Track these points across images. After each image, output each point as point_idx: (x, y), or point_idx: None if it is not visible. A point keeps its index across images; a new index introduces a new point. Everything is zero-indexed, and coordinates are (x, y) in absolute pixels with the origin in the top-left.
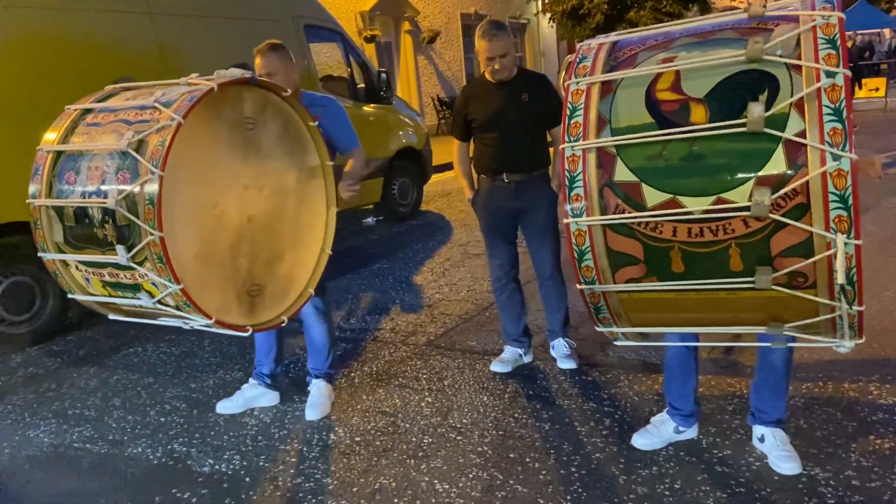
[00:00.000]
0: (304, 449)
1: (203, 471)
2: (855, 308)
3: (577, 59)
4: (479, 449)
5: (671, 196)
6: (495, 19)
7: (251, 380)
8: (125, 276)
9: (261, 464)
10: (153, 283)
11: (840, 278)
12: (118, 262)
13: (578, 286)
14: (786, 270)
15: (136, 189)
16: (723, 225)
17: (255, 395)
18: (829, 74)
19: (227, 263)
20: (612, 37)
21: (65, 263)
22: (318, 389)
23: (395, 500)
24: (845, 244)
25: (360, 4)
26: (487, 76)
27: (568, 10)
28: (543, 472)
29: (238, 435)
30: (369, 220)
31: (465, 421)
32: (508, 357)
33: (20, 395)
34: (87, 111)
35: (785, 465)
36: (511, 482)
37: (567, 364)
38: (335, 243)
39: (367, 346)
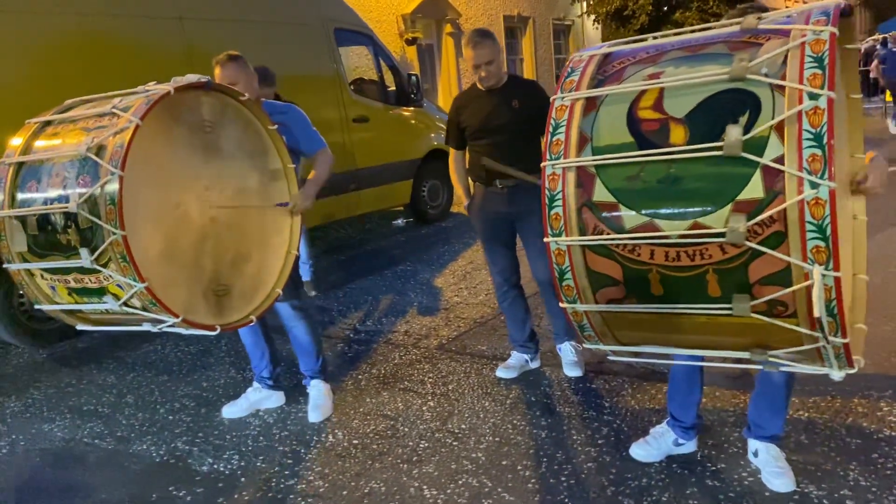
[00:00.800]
0: (302, 450)
1: (202, 470)
2: (838, 340)
3: (566, 73)
4: (473, 455)
5: (649, 219)
6: (481, 28)
7: (254, 383)
8: (90, 280)
9: (258, 464)
10: (118, 285)
11: (817, 311)
12: (82, 266)
13: (561, 304)
14: (765, 298)
15: (97, 191)
16: (700, 250)
17: (259, 399)
18: (812, 97)
19: (191, 263)
20: (605, 48)
21: (30, 273)
22: (318, 391)
23: None
24: (823, 276)
25: (402, 7)
26: (478, 84)
27: (612, 12)
28: (533, 480)
29: (240, 435)
30: (398, 221)
31: (463, 426)
32: (514, 363)
33: (41, 390)
34: (48, 123)
35: (777, 481)
36: (499, 490)
37: (572, 371)
38: (364, 243)
39: (378, 349)
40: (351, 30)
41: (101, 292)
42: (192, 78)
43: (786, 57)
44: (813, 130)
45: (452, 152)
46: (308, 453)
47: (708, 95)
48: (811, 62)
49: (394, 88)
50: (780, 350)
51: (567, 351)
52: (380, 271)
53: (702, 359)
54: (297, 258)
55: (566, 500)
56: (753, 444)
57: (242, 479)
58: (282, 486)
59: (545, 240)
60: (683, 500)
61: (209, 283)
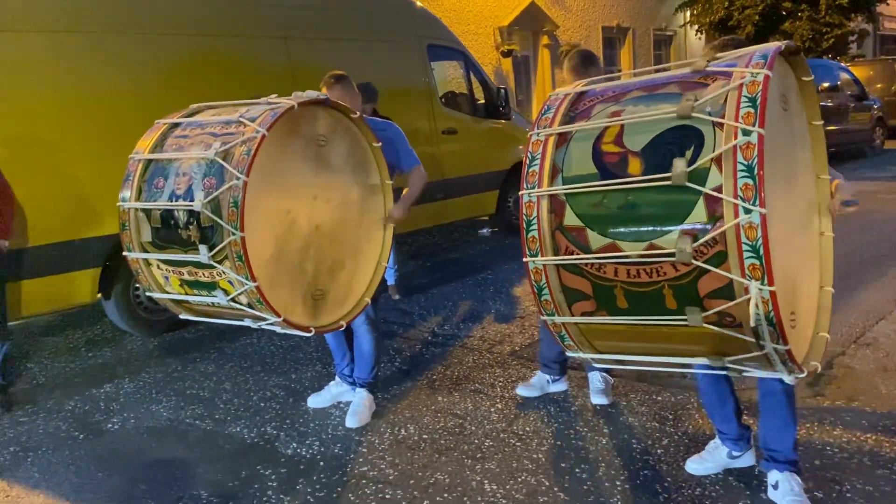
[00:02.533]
0: (376, 441)
1: (286, 452)
2: (781, 347)
3: (542, 110)
4: (534, 456)
5: (611, 241)
6: (587, 51)
7: (336, 378)
8: (204, 275)
9: (336, 451)
10: (230, 281)
11: (752, 322)
12: (199, 261)
13: (541, 317)
14: (714, 310)
15: (222, 193)
16: (656, 268)
17: (340, 392)
18: (745, 133)
19: (295, 267)
20: (580, 87)
21: (147, 262)
22: (361, 399)
23: (445, 495)
24: (759, 290)
25: (499, 20)
26: None
27: (716, 22)
28: (589, 482)
29: (322, 424)
30: (484, 230)
31: (527, 429)
32: (536, 382)
33: (151, 374)
34: (176, 125)
35: None
36: (555, 489)
37: (598, 399)
38: (449, 251)
39: (453, 352)
40: (443, 45)
41: (212, 286)
42: (312, 94)
43: (726, 97)
44: (746, 163)
45: None
46: (381, 444)
47: (660, 131)
48: (746, 102)
49: (483, 101)
50: (735, 356)
51: (595, 379)
52: (462, 278)
53: (716, 368)
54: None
55: (619, 503)
56: (773, 476)
57: (321, 463)
58: (355, 471)
59: (524, 259)
60: None
61: (308, 288)
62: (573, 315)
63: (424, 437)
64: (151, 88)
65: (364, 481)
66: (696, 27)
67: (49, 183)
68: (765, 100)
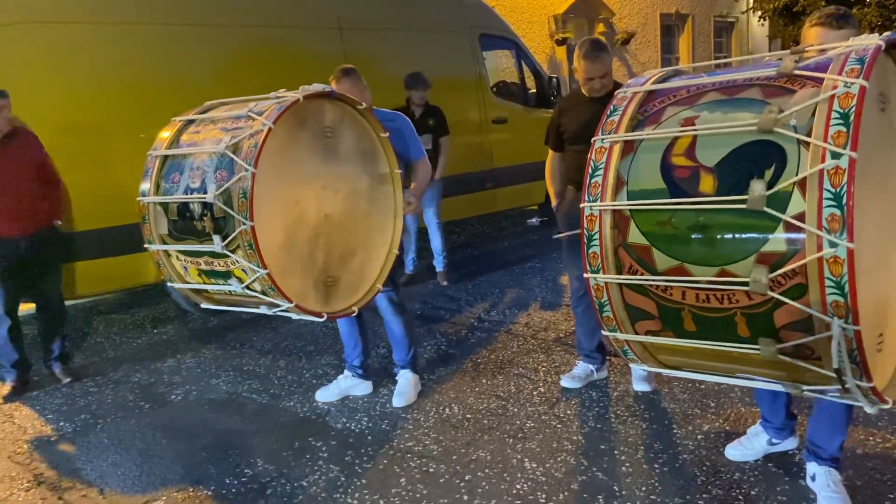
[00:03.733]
0: (422, 419)
1: (336, 427)
2: (864, 384)
3: (608, 112)
4: (574, 437)
5: (679, 263)
6: (597, 39)
7: (345, 371)
8: (219, 264)
9: (383, 426)
10: (243, 270)
11: (835, 363)
12: (214, 251)
13: (603, 332)
14: (791, 343)
15: (232, 184)
16: (727, 294)
17: (349, 386)
18: (835, 155)
19: (305, 255)
20: (649, 85)
21: (167, 254)
22: (405, 380)
23: (486, 471)
24: (843, 328)
25: (554, 8)
26: (584, 91)
27: (780, 7)
28: (627, 464)
29: (371, 401)
30: (533, 220)
31: (568, 412)
32: (580, 373)
33: (211, 350)
34: (190, 121)
35: None
36: (594, 469)
37: (641, 386)
38: (497, 240)
39: (499, 337)
40: (495, 35)
41: (227, 275)
42: (318, 87)
43: (815, 110)
44: (833, 190)
45: (550, 153)
46: (426, 422)
47: (737, 146)
48: (837, 119)
49: (534, 91)
50: (813, 386)
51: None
52: (509, 267)
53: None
54: (399, 257)
55: (656, 484)
56: (812, 467)
57: (369, 437)
58: (401, 446)
59: (584, 275)
60: (773, 496)
61: (319, 275)
62: (637, 333)
63: (468, 416)
64: (209, 79)
65: (409, 455)
66: (758, 13)
67: (114, 169)
68: (859, 117)
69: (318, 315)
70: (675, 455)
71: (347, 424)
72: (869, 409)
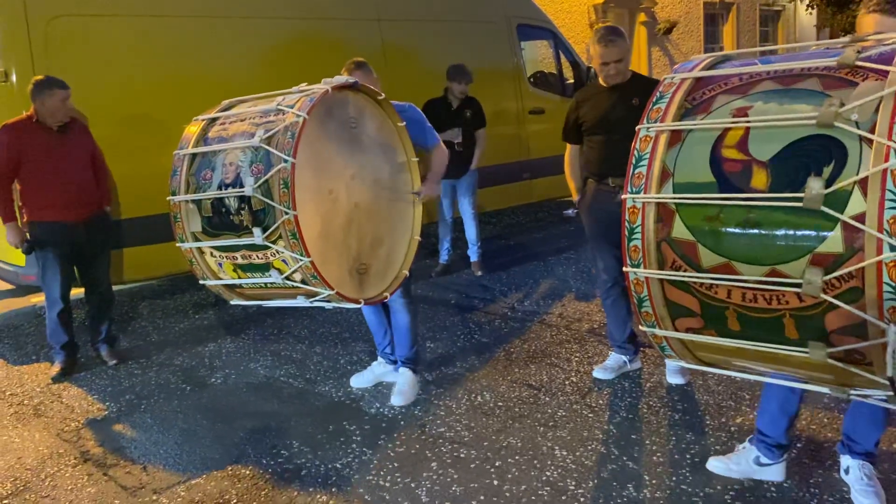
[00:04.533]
0: (454, 405)
1: (370, 411)
2: None
3: (654, 99)
4: (606, 427)
5: (726, 260)
6: (613, 25)
7: (379, 358)
8: (258, 257)
9: (416, 412)
10: (283, 260)
11: (889, 371)
12: (253, 243)
13: (640, 327)
14: (842, 348)
15: (272, 176)
16: (776, 295)
17: (384, 372)
18: None
19: (340, 243)
20: (697, 71)
21: (200, 251)
22: (405, 378)
23: (517, 457)
24: None
25: None
26: (601, 80)
27: None
28: (658, 454)
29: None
30: (569, 211)
31: (600, 402)
32: (612, 364)
33: (249, 335)
34: (214, 119)
35: (866, 500)
36: (624, 458)
37: (675, 379)
38: (533, 230)
39: (532, 327)
40: (533, 25)
41: (266, 268)
42: (341, 79)
43: (879, 104)
44: None
45: (569, 147)
46: (458, 408)
47: (794, 140)
48: None
49: (572, 81)
50: (861, 390)
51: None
52: (544, 257)
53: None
54: (419, 243)
55: (687, 474)
56: (845, 461)
57: (402, 423)
58: (433, 431)
59: (624, 269)
60: (805, 488)
61: (353, 262)
62: (677, 330)
63: (500, 404)
64: (252, 70)
65: (441, 441)
66: (806, 2)
67: (162, 159)
68: None
69: (356, 301)
70: (706, 447)
71: (381, 409)
72: None
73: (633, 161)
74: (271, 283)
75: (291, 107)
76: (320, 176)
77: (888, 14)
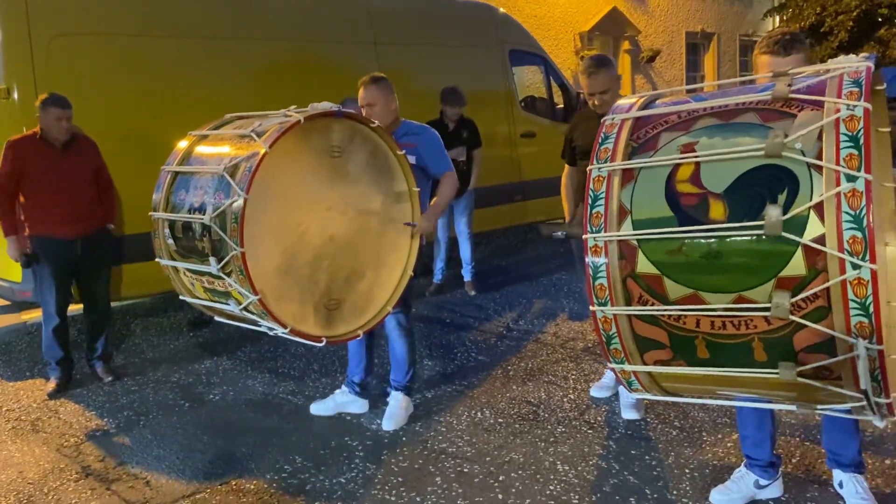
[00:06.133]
0: (455, 421)
1: (371, 427)
2: (882, 400)
3: (600, 140)
4: (606, 443)
5: (693, 291)
6: (600, 55)
7: (343, 387)
8: (219, 285)
9: (417, 428)
10: (239, 292)
11: (863, 384)
12: (211, 272)
13: (609, 365)
14: (811, 365)
15: (227, 208)
16: (745, 320)
17: (345, 402)
18: (850, 178)
19: (306, 278)
20: (635, 111)
21: (175, 269)
22: (396, 402)
23: (520, 472)
24: (867, 349)
25: (580, 25)
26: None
27: (807, 28)
28: (658, 469)
29: None
30: (559, 233)
31: (599, 419)
32: (609, 382)
33: (246, 354)
34: (204, 136)
35: None
36: (625, 473)
37: (630, 414)
38: (525, 251)
39: (528, 346)
40: (525, 51)
41: (226, 296)
42: (325, 106)
43: (821, 133)
44: (852, 213)
45: (566, 168)
46: (459, 425)
47: (744, 171)
48: (847, 141)
49: (562, 106)
50: (827, 405)
51: (625, 392)
52: (537, 278)
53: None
54: (412, 278)
55: (687, 489)
56: (838, 475)
57: (403, 438)
58: (435, 447)
59: (591, 308)
60: (802, 502)
61: (321, 298)
62: (645, 364)
63: (500, 420)
64: (251, 90)
65: (443, 456)
66: None
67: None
68: (868, 138)
69: (317, 340)
70: (704, 461)
71: (382, 426)
72: (879, 423)
73: (590, 201)
74: (234, 313)
75: (261, 135)
76: (286, 208)
77: (778, 55)
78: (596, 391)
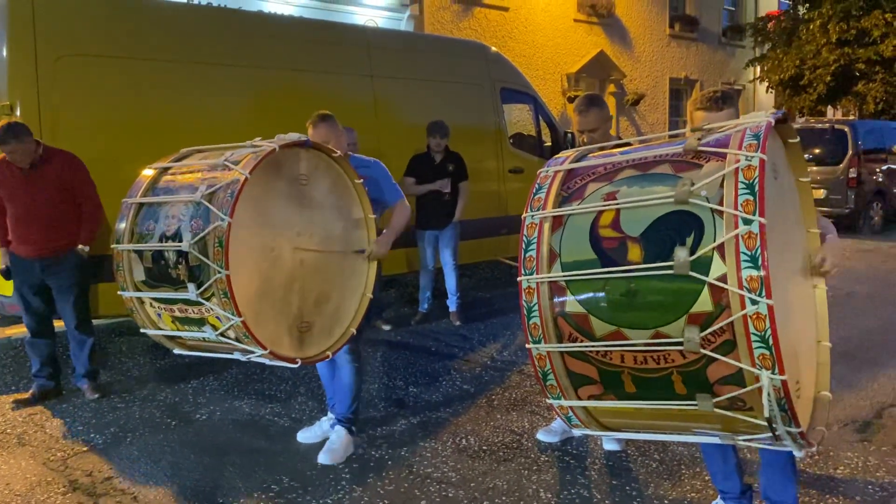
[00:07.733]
0: (439, 448)
1: (357, 451)
2: (794, 429)
3: (534, 190)
4: (587, 472)
5: (616, 328)
6: (592, 94)
7: (329, 413)
8: (193, 311)
9: (402, 453)
10: (217, 317)
11: (766, 412)
12: (188, 298)
13: (547, 400)
14: (725, 396)
15: (208, 233)
16: (663, 355)
17: (330, 428)
18: (746, 222)
19: (280, 301)
20: (567, 164)
21: (140, 301)
22: (338, 437)
23: (503, 498)
24: (770, 379)
25: (567, 67)
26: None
27: (786, 80)
28: (638, 500)
29: (390, 430)
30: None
31: (581, 449)
32: (557, 427)
33: (233, 374)
34: (166, 169)
35: None
36: (607, 502)
37: (610, 446)
38: (509, 284)
39: (512, 377)
40: (515, 89)
41: (201, 322)
42: (293, 136)
43: (723, 181)
44: (749, 253)
45: None
46: (444, 451)
47: (658, 217)
48: (744, 188)
49: (549, 143)
50: (747, 436)
51: None
52: (519, 311)
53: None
54: (371, 301)
55: None
56: None
57: (389, 462)
58: (420, 471)
59: (527, 346)
60: None
61: (294, 320)
62: (580, 399)
63: (484, 448)
64: (247, 117)
65: (428, 481)
66: (765, 84)
67: None
68: (762, 187)
69: (292, 361)
70: (682, 494)
71: (368, 449)
72: (798, 453)
73: (523, 246)
74: (206, 338)
75: (237, 163)
76: (263, 233)
77: (711, 110)
78: (543, 435)
